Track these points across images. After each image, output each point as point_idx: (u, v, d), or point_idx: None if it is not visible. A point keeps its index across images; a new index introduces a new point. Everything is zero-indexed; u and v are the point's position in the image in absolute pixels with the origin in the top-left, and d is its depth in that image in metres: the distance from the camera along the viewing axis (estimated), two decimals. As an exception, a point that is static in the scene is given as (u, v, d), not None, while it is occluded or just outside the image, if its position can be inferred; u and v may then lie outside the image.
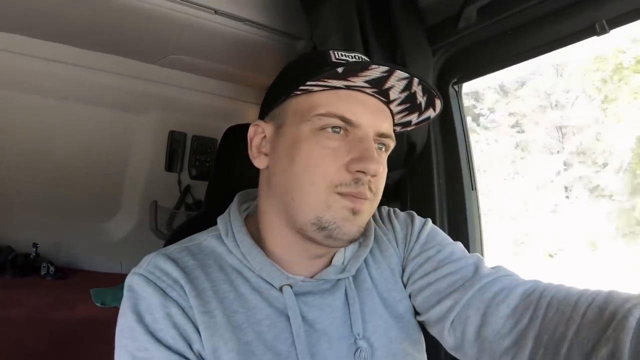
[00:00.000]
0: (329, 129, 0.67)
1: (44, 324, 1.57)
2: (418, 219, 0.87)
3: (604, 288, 0.61)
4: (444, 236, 0.85)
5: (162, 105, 2.03)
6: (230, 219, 0.76)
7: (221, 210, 0.81)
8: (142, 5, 1.32)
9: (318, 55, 0.74)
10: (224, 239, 0.74)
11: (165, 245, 0.93)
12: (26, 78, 1.75)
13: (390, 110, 0.74)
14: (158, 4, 1.33)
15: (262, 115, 0.78)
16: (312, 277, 0.74)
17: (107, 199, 2.14)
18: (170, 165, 2.15)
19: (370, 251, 0.82)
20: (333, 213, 0.66)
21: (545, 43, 1.12)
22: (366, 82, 0.66)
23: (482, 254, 1.31)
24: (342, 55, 0.72)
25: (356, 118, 0.67)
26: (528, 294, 0.67)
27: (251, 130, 0.77)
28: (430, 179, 1.33)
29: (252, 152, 0.76)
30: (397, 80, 0.66)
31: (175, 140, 2.14)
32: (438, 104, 0.72)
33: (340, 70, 0.63)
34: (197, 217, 0.93)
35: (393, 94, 0.70)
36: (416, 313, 0.81)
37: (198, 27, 1.45)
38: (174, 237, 0.90)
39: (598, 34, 0.99)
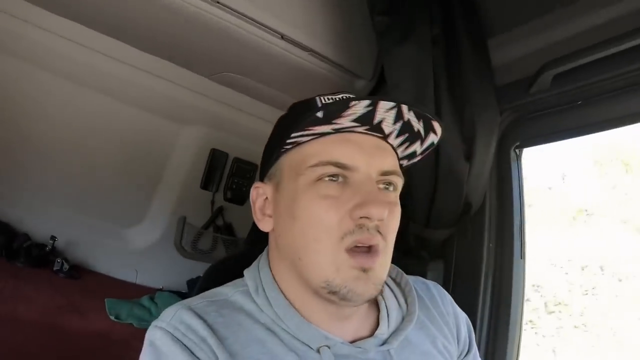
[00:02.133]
0: (326, 179, 0.64)
1: (54, 332, 1.50)
2: (475, 342, 0.86)
3: None
4: None
5: (208, 121, 2.02)
6: (260, 275, 0.72)
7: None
8: (210, 18, 1.31)
9: (304, 104, 0.72)
10: (253, 297, 0.69)
11: (202, 280, 0.88)
12: (77, 67, 1.76)
13: (391, 145, 0.70)
14: (227, 20, 1.32)
15: (262, 176, 0.76)
16: (351, 342, 0.69)
17: (135, 205, 2.12)
18: (206, 184, 2.13)
19: (423, 326, 0.77)
20: (343, 275, 0.62)
21: (615, 117, 1.08)
22: (354, 120, 0.63)
23: (520, 325, 1.25)
24: (328, 99, 0.69)
25: (351, 161, 0.64)
26: None
27: (253, 193, 0.75)
28: (480, 241, 1.27)
29: (256, 216, 0.74)
30: (385, 112, 0.63)
31: (216, 159, 2.12)
32: (437, 126, 0.68)
33: (320, 114, 0.61)
34: (241, 256, 0.89)
35: (387, 127, 0.66)
36: None
37: (260, 49, 1.43)
38: (212, 272, 0.87)
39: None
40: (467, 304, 1.26)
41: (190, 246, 2.05)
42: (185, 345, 0.60)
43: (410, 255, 1.36)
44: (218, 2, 1.28)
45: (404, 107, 0.63)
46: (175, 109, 1.95)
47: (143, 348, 0.62)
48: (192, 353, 0.60)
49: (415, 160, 0.76)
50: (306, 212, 0.64)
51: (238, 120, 1.99)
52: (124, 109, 1.92)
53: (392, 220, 0.67)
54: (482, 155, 1.20)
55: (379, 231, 0.63)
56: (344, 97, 0.69)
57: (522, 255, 1.28)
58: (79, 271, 1.96)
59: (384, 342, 0.70)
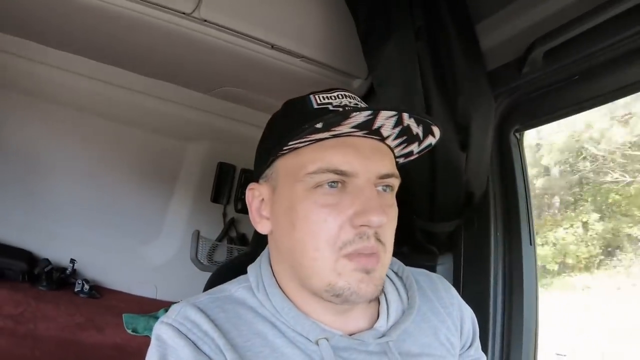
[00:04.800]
0: (325, 186, 0.63)
1: (72, 346, 1.54)
2: (478, 339, 0.85)
3: None
4: None
5: (212, 136, 2.06)
6: (261, 271, 0.73)
7: None
8: (201, 37, 1.35)
9: (298, 105, 0.69)
10: (254, 292, 0.71)
11: (209, 281, 0.90)
12: (83, 97, 1.83)
13: (388, 146, 0.69)
14: (215, 36, 1.35)
15: (256, 177, 0.74)
16: (351, 335, 0.70)
17: (149, 223, 2.17)
18: (216, 197, 2.16)
19: (425, 318, 0.77)
20: (346, 279, 0.62)
21: (615, 88, 1.03)
22: (353, 127, 0.62)
23: (536, 313, 1.22)
24: (324, 98, 0.67)
25: (351, 167, 0.62)
26: None
27: (248, 194, 0.74)
28: (486, 231, 1.24)
29: (254, 217, 0.72)
30: (386, 119, 0.62)
31: (223, 172, 2.15)
32: (436, 130, 0.66)
33: (320, 125, 0.59)
34: (245, 255, 0.90)
35: (385, 131, 0.65)
36: None
37: (252, 61, 1.46)
38: (219, 272, 0.88)
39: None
40: (479, 295, 1.23)
41: (206, 259, 2.08)
42: (190, 339, 0.62)
43: (420, 250, 1.34)
44: (205, 21, 1.31)
45: (405, 115, 0.62)
46: (179, 127, 2.00)
47: (150, 343, 0.64)
48: (197, 347, 0.62)
49: (412, 158, 0.75)
50: (305, 220, 0.63)
51: (241, 131, 2.01)
52: (130, 132, 1.99)
53: (389, 223, 0.65)
54: (479, 143, 1.17)
55: (378, 239, 0.63)
56: (342, 97, 0.68)
57: (532, 242, 1.24)
58: (99, 290, 2.01)
59: (383, 335, 0.70)
